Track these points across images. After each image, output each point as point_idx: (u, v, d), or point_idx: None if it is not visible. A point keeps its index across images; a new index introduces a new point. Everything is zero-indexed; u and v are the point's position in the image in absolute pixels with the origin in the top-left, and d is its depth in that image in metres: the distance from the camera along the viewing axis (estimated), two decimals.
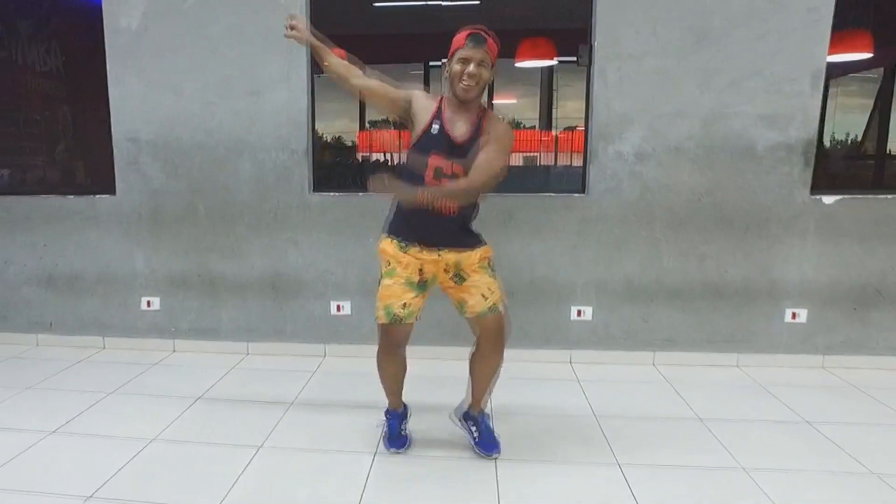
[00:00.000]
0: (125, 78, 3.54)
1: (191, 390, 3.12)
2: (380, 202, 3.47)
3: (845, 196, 3.36)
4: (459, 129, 2.20)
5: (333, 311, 3.61)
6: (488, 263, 2.34)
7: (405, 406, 2.62)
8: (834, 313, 3.44)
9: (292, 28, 2.37)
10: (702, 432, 2.67)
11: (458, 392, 2.66)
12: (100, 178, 3.74)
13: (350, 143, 4.40)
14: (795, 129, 3.31)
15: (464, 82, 2.13)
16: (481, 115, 2.24)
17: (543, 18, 3.71)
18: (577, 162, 3.66)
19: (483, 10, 3.70)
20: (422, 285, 2.32)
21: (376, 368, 2.47)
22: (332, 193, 3.54)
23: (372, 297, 3.54)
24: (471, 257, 2.29)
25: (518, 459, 2.43)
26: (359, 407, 2.93)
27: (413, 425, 2.64)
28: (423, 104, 2.25)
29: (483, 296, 2.31)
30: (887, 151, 4.09)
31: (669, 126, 3.35)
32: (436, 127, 2.19)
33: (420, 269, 2.29)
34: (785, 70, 3.27)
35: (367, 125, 4.58)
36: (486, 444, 2.46)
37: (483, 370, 2.44)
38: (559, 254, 3.48)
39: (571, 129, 4.08)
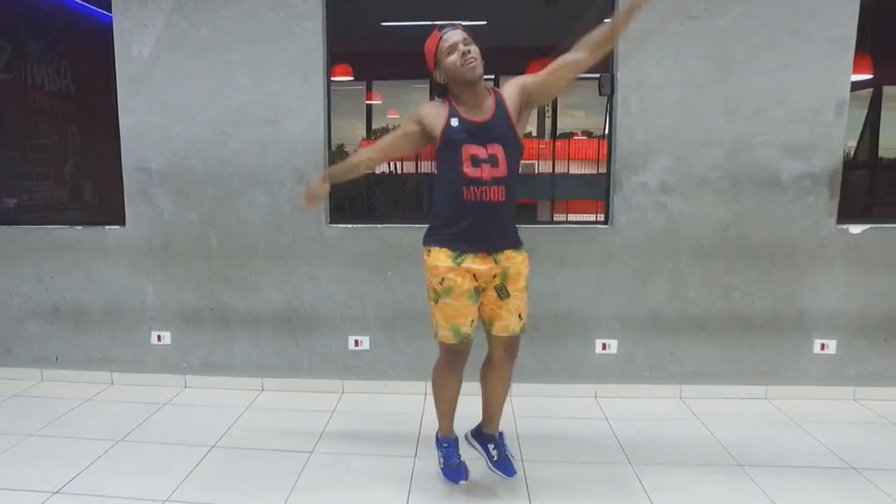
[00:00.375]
0: (137, 107, 3.46)
1: (204, 436, 2.96)
2: (399, 234, 3.47)
3: (873, 225, 3.32)
4: (478, 111, 2.16)
5: (351, 346, 3.51)
6: (526, 280, 2.30)
7: (454, 434, 2.52)
8: (864, 344, 3.39)
9: (311, 199, 2.52)
10: (745, 484, 2.53)
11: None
12: (109, 209, 3.64)
13: (353, 153, 4.33)
14: (820, 158, 3.28)
15: (468, 64, 2.10)
16: (495, 93, 2.21)
17: (552, 37, 3.70)
18: (574, 169, 3.63)
19: (491, 29, 3.67)
20: (478, 293, 2.24)
21: (433, 391, 2.42)
22: (349, 225, 3.46)
23: (391, 331, 3.57)
24: (518, 264, 2.24)
25: None
26: (383, 452, 2.80)
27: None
28: (433, 112, 2.21)
29: (520, 316, 2.28)
30: (878, 159, 4.31)
31: (693, 156, 3.31)
32: (454, 120, 2.15)
33: (474, 276, 2.20)
34: (808, 100, 3.24)
35: (372, 135, 4.52)
36: (506, 464, 2.38)
37: (498, 384, 2.38)
38: (583, 286, 3.40)
39: (568, 135, 4.06)
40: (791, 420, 3.17)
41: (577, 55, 2.17)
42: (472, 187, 2.12)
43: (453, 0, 3.96)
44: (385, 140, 2.34)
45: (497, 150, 2.12)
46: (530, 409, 3.27)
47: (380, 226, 3.45)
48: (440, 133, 2.16)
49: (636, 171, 3.32)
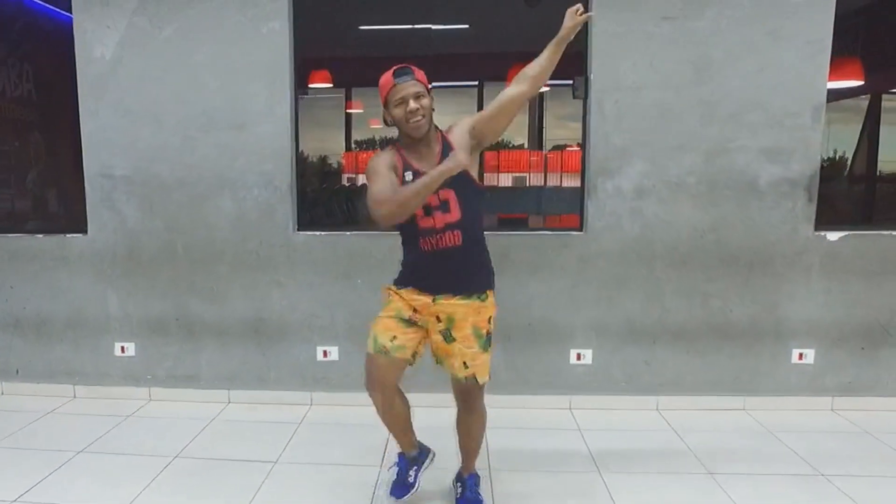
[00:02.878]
0: (99, 110, 3.37)
1: (166, 448, 2.89)
2: (368, 242, 3.39)
3: (850, 232, 3.27)
4: (427, 161, 2.12)
5: (320, 356, 3.43)
6: (486, 333, 2.20)
7: (422, 450, 2.46)
8: (841, 353, 3.33)
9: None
10: (714, 492, 2.50)
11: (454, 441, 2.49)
12: (73, 217, 3.54)
13: (336, 165, 4.26)
14: (798, 162, 3.22)
15: (412, 121, 2.06)
16: (442, 139, 2.16)
17: (534, 42, 3.66)
18: (567, 182, 3.58)
19: (472, 33, 3.60)
20: (411, 322, 2.19)
21: (377, 410, 2.33)
22: (318, 232, 3.37)
23: (361, 342, 3.34)
24: (464, 312, 2.15)
25: None
26: (348, 464, 2.74)
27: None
28: (392, 159, 2.16)
29: (465, 364, 2.19)
30: (877, 173, 4.19)
31: (670, 160, 3.25)
32: (408, 174, 2.11)
33: (413, 308, 2.18)
34: (785, 103, 3.19)
35: (353, 146, 4.42)
36: (466, 502, 2.35)
37: (464, 432, 2.36)
38: (557, 294, 3.33)
39: (560, 148, 4.01)
40: (767, 430, 3.11)
41: (520, 88, 2.14)
42: (427, 238, 2.12)
43: (432, 4, 3.90)
44: (386, 184, 2.09)
45: (448, 194, 2.08)
46: (503, 420, 3.15)
47: (348, 233, 3.37)
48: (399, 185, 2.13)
49: (611, 175, 3.26)
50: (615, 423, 3.21)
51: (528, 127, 4.07)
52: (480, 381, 2.22)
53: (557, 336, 3.37)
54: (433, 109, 2.12)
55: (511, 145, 3.96)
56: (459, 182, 2.06)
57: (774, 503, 2.43)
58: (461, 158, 1.97)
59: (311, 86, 4.23)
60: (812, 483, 2.58)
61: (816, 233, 3.25)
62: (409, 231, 2.15)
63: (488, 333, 2.21)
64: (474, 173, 2.18)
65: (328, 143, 4.22)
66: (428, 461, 2.47)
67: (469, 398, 2.26)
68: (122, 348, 3.51)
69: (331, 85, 4.25)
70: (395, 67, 2.10)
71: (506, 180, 3.56)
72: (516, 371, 3.39)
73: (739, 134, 3.21)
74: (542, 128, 4.15)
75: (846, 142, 4.24)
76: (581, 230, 3.33)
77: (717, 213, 3.25)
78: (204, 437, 3.05)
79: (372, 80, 4.48)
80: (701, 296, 3.30)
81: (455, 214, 2.10)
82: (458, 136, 2.15)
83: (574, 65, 3.34)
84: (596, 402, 3.35)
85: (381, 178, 2.09)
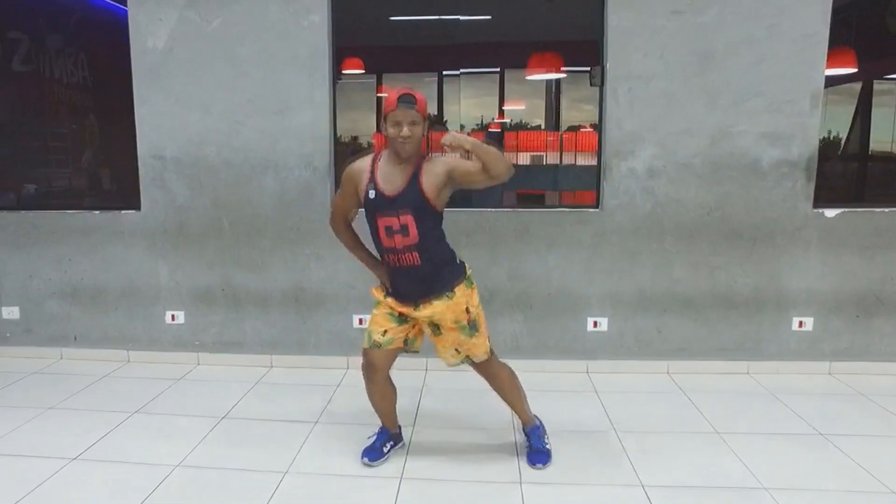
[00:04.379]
0: (151, 97, 3.64)
1: (215, 408, 3.13)
2: None
3: (845, 209, 3.52)
4: (392, 183, 2.28)
5: (356, 323, 3.70)
6: (467, 322, 2.39)
7: (399, 433, 2.71)
8: (838, 321, 3.59)
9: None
10: (721, 449, 2.71)
11: (483, 403, 2.73)
12: (125, 195, 3.82)
13: (367, 145, 4.50)
14: (797, 146, 3.47)
15: (399, 141, 2.23)
16: (419, 164, 2.31)
17: (553, 31, 3.86)
18: (581, 160, 3.80)
19: (494, 23, 3.81)
20: (402, 319, 2.44)
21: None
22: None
23: None
24: (441, 312, 2.36)
25: (544, 482, 2.45)
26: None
27: (437, 442, 2.72)
28: (358, 176, 2.35)
29: (456, 350, 2.46)
30: (868, 153, 4.42)
31: (678, 144, 3.50)
32: (371, 192, 2.31)
33: (399, 312, 2.44)
34: (784, 92, 3.44)
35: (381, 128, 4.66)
36: (531, 455, 2.59)
37: (500, 393, 2.63)
38: (575, 266, 3.60)
39: (575, 129, 4.24)
40: (769, 392, 3.36)
41: (476, 166, 2.25)
42: (390, 255, 2.34)
43: None
44: (339, 206, 2.47)
45: (407, 219, 2.26)
46: (525, 383, 3.42)
47: None
48: (362, 200, 2.36)
49: (625, 157, 3.52)
50: (629, 385, 3.46)
51: (545, 109, 4.29)
52: (476, 359, 2.49)
53: (575, 305, 3.63)
54: (424, 135, 2.28)
55: (529, 126, 4.19)
56: (419, 208, 2.26)
57: (778, 460, 2.61)
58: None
59: (344, 72, 4.47)
60: (812, 442, 2.78)
61: (815, 210, 3.50)
62: (377, 247, 2.40)
63: (470, 321, 2.40)
64: (440, 201, 2.31)
65: (360, 125, 4.45)
66: (399, 445, 2.70)
67: (480, 370, 2.54)
68: (172, 316, 3.79)
69: (363, 71, 4.48)
70: (402, 93, 2.24)
71: (524, 159, 3.80)
72: (537, 337, 3.66)
73: (742, 119, 3.46)
74: (559, 110, 4.38)
75: (840, 123, 4.51)
76: (597, 207, 3.60)
77: (721, 192, 3.51)
78: (249, 398, 3.30)
79: (401, 66, 4.72)
80: (707, 268, 3.56)
81: (413, 238, 2.28)
82: (435, 171, 2.28)
83: (592, 55, 3.62)
84: (611, 366, 3.62)
85: (337, 196, 2.46)
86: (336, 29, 3.62)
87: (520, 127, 4.04)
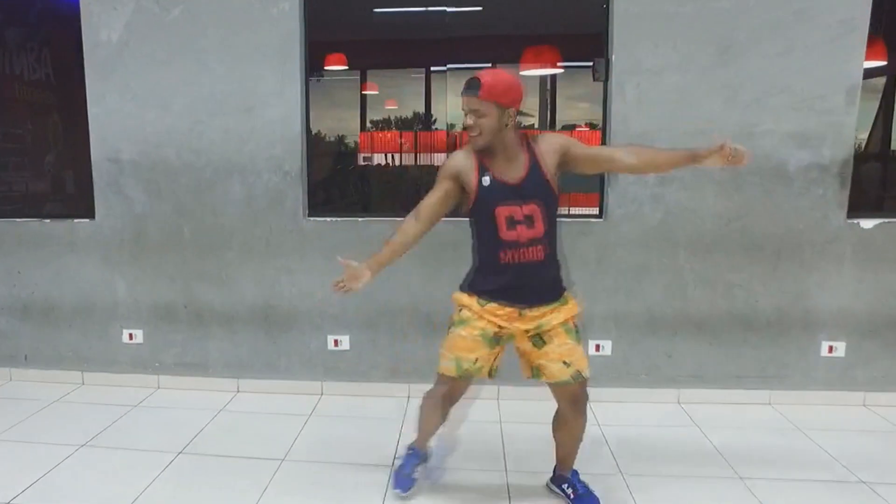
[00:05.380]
0: (105, 94, 3.30)
1: (172, 442, 2.81)
2: (380, 228, 3.30)
3: (885, 220, 3.12)
4: (509, 169, 2.06)
5: (330, 345, 3.35)
6: (573, 325, 2.15)
7: (429, 451, 2.46)
8: (874, 346, 3.18)
9: (348, 283, 2.15)
10: (743, 496, 2.36)
11: (471, 437, 2.41)
12: (80, 201, 3.48)
13: (353, 145, 4.22)
14: (829, 148, 3.08)
15: (470, 134, 2.03)
16: (528, 145, 2.09)
17: (548, 24, 3.60)
18: None
19: (486, 16, 3.53)
20: (497, 339, 2.14)
21: (423, 411, 2.34)
22: (328, 218, 3.29)
23: (372, 331, 3.38)
24: (554, 317, 2.10)
25: None
26: (359, 462, 2.63)
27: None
28: (464, 164, 2.10)
29: (565, 363, 2.10)
30: (890, 152, 3.98)
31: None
32: (486, 179, 2.06)
33: (499, 325, 2.12)
34: (814, 86, 3.05)
35: (367, 125, 4.41)
36: (586, 499, 2.25)
37: (568, 437, 2.26)
38: (576, 283, 3.21)
39: (570, 128, 3.92)
40: (796, 427, 2.98)
41: (627, 159, 2.11)
42: (509, 251, 2.05)
43: None
44: (426, 205, 2.12)
45: (533, 209, 2.03)
46: (515, 413, 3.10)
47: (360, 219, 3.28)
48: (473, 191, 2.07)
49: None
50: (635, 417, 3.09)
51: (539, 106, 3.98)
52: (585, 374, 2.13)
53: None
54: (507, 124, 2.02)
55: (522, 125, 3.88)
56: (545, 195, 2.04)
57: None
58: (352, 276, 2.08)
59: (326, 68, 4.22)
60: (853, 492, 2.40)
61: (849, 220, 3.11)
62: (488, 241, 2.08)
63: (577, 327, 2.16)
64: (557, 185, 2.10)
65: (344, 124, 4.17)
66: (427, 461, 2.48)
67: (578, 400, 2.15)
68: (130, 335, 3.46)
69: (346, 67, 4.20)
70: (471, 77, 2.02)
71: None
72: None
73: (765, 117, 3.07)
74: (553, 108, 4.05)
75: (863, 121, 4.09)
76: (601, 217, 3.22)
77: (742, 199, 3.12)
78: (211, 428, 2.98)
79: (386, 61, 4.42)
80: (725, 285, 3.17)
81: (539, 229, 2.05)
82: (549, 150, 2.07)
83: (594, 47, 3.23)
84: (615, 394, 3.23)
85: (430, 194, 2.12)
86: (315, 21, 3.27)
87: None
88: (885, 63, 3.73)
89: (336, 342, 3.34)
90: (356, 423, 3.05)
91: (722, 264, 3.16)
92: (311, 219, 3.29)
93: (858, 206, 3.16)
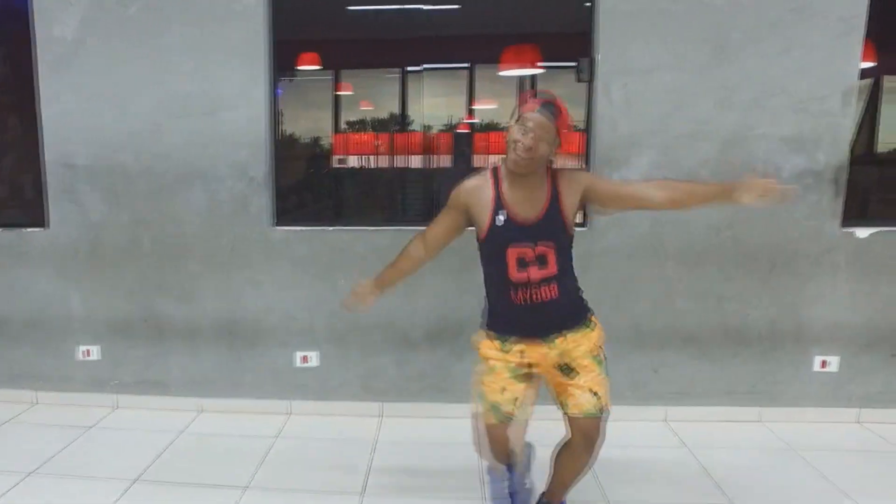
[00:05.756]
0: (59, 95, 3.09)
1: (128, 468, 2.62)
2: (352, 238, 3.13)
3: (881, 228, 2.97)
4: (528, 207, 1.92)
5: (298, 362, 3.16)
6: (600, 353, 2.03)
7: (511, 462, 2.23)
8: (869, 361, 3.04)
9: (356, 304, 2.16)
10: None
11: (448, 462, 2.24)
12: (29, 209, 3.27)
13: (327, 146, 4.05)
14: (824, 153, 2.93)
15: (515, 151, 1.87)
16: (554, 180, 1.95)
17: (529, 22, 3.45)
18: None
19: (464, 14, 3.36)
20: (527, 375, 2.02)
21: (477, 446, 2.16)
22: (296, 227, 3.10)
23: (343, 346, 3.16)
24: (580, 345, 1.98)
25: None
26: (326, 490, 2.45)
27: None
28: (477, 195, 1.97)
29: (594, 393, 1.97)
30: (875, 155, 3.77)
31: (683, 150, 2.95)
32: (500, 217, 1.93)
33: (528, 364, 2.00)
34: (812, 87, 2.90)
35: (343, 126, 4.25)
36: None
37: (570, 468, 2.11)
38: None
39: None
40: (788, 447, 2.84)
41: (655, 196, 1.95)
42: (519, 290, 1.93)
43: None
44: (432, 234, 2.06)
45: (547, 249, 1.91)
46: None
47: (330, 228, 3.10)
48: (485, 229, 1.95)
49: (618, 166, 2.96)
50: (620, 437, 2.84)
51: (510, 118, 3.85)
52: (608, 410, 2.01)
53: None
54: (551, 161, 1.93)
55: (501, 127, 3.73)
56: (559, 235, 1.93)
57: None
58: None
59: (298, 68, 4.06)
60: None
61: (844, 229, 2.96)
62: (498, 281, 1.96)
63: (602, 353, 2.04)
64: (572, 219, 1.97)
65: (318, 125, 3.99)
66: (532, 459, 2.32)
67: (593, 434, 2.00)
68: (86, 351, 3.25)
69: (319, 67, 4.03)
70: (546, 100, 1.90)
71: (496, 162, 3.36)
72: None
73: (760, 121, 2.92)
74: None
75: None
76: (584, 226, 3.05)
77: (733, 208, 2.84)
78: (171, 453, 2.80)
79: (361, 61, 4.26)
80: (715, 297, 3.02)
81: (552, 269, 1.92)
82: (571, 187, 1.94)
83: (577, 46, 3.06)
84: None
85: (437, 220, 2.05)
86: (284, 18, 3.08)
87: (491, 128, 3.54)
88: (873, 64, 3.60)
89: (304, 358, 3.15)
90: (325, 445, 2.88)
91: (712, 276, 3.01)
92: (279, 227, 3.10)
93: (849, 214, 3.01)
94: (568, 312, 1.99)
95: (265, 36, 3.02)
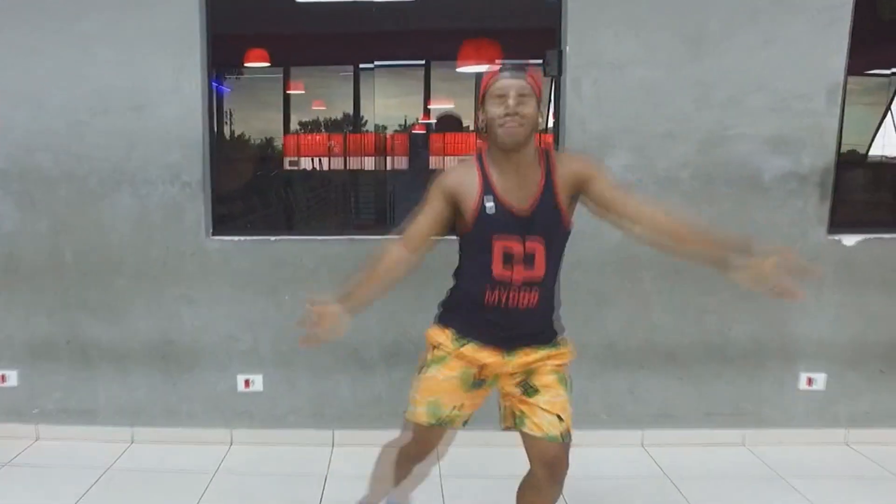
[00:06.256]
0: None
1: None
2: (298, 249, 2.84)
3: (869, 236, 2.79)
4: (522, 194, 1.68)
5: (241, 386, 2.86)
6: (567, 375, 1.81)
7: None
8: (857, 377, 2.86)
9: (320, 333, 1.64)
10: None
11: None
12: None
13: (275, 148, 3.78)
14: (808, 154, 2.74)
15: (507, 125, 1.61)
16: (546, 160, 1.71)
17: (489, 16, 3.23)
18: None
19: (420, 7, 3.11)
20: (478, 384, 1.79)
21: (381, 464, 1.98)
22: (235, 238, 2.80)
23: (290, 369, 2.83)
24: (546, 363, 1.76)
25: None
26: None
27: None
28: (463, 180, 1.72)
29: (559, 417, 1.74)
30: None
31: (659, 151, 2.73)
32: (489, 203, 1.67)
33: (481, 367, 1.76)
34: (794, 84, 2.70)
35: (294, 128, 4.01)
36: None
37: (543, 496, 1.83)
38: None
39: None
40: (774, 472, 2.64)
41: (644, 219, 1.67)
42: (496, 290, 1.69)
43: None
44: (415, 232, 1.73)
45: (536, 245, 1.67)
46: (458, 462, 2.65)
47: (273, 238, 2.80)
48: (471, 216, 1.69)
49: None
50: (593, 464, 2.69)
51: (475, 108, 3.63)
52: (570, 435, 1.79)
53: None
54: (538, 128, 1.68)
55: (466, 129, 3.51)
56: (553, 229, 1.69)
57: None
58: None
59: (246, 65, 3.79)
60: None
61: (830, 237, 2.77)
62: (477, 274, 1.70)
63: (569, 376, 1.82)
64: (571, 215, 1.75)
65: (274, 125, 3.71)
66: None
67: (559, 464, 1.77)
68: (2, 377, 2.91)
69: (268, 64, 3.77)
70: (506, 64, 1.69)
71: (452, 163, 3.17)
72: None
73: (740, 120, 2.72)
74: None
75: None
76: None
77: (713, 213, 2.74)
78: (95, 493, 2.48)
79: (312, 58, 4.01)
80: (695, 312, 2.80)
81: (539, 271, 1.68)
82: (568, 173, 1.70)
83: (542, 39, 2.82)
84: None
85: (418, 215, 1.72)
86: (225, 8, 2.79)
87: (447, 128, 3.31)
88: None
89: (247, 383, 2.86)
90: (271, 480, 2.59)
91: (691, 288, 2.79)
92: (216, 238, 2.80)
93: (836, 220, 2.82)
94: (539, 329, 1.77)
95: (199, 25, 2.71)
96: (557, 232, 1.71)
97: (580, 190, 1.72)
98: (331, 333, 1.63)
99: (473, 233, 1.69)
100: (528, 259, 1.66)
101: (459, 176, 1.72)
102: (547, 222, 1.68)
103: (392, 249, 1.72)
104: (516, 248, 1.66)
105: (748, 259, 1.52)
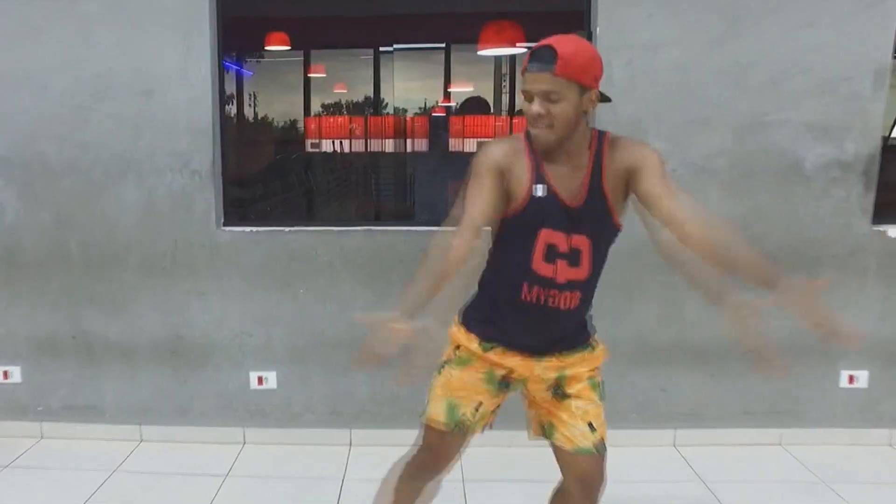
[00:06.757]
0: None
1: None
2: (313, 240, 2.71)
3: None
4: (571, 185, 1.51)
5: (254, 383, 2.75)
6: (600, 379, 1.69)
7: None
8: None
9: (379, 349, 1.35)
10: None
11: None
12: None
13: (298, 130, 3.69)
14: (853, 141, 2.59)
15: (535, 128, 1.46)
16: (598, 147, 1.52)
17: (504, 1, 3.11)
18: None
19: None
20: (504, 385, 1.65)
21: (382, 484, 1.79)
22: (248, 228, 2.68)
23: (304, 365, 2.70)
24: (579, 365, 1.64)
25: None
26: None
27: None
28: (512, 158, 1.52)
29: (591, 426, 1.63)
30: None
31: (694, 138, 2.59)
32: (539, 188, 1.50)
33: (509, 370, 1.63)
34: (838, 66, 2.55)
35: (316, 110, 3.91)
36: None
37: None
38: None
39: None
40: (814, 475, 2.51)
41: (688, 227, 1.42)
42: (535, 287, 1.53)
43: None
44: (477, 213, 1.48)
45: (582, 242, 1.52)
46: (480, 464, 2.54)
47: (286, 229, 2.67)
48: (520, 200, 1.51)
49: None
50: (623, 466, 2.54)
51: (494, 91, 3.50)
52: (605, 444, 1.66)
53: None
54: (586, 112, 1.47)
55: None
56: (602, 226, 1.53)
57: None
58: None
59: (267, 48, 3.71)
60: None
61: (874, 227, 2.63)
62: (515, 267, 1.54)
63: (602, 382, 1.70)
64: (619, 206, 1.54)
65: (296, 108, 3.63)
66: None
67: (593, 478, 1.64)
68: (5, 373, 2.81)
69: (288, 47, 3.67)
70: (539, 46, 1.44)
71: (471, 146, 3.13)
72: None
73: (780, 104, 2.57)
74: (513, 91, 3.58)
75: None
76: None
77: (751, 203, 2.61)
78: (102, 496, 2.38)
79: (330, 42, 3.91)
80: None
81: (584, 271, 1.55)
82: (616, 163, 1.50)
83: (569, 21, 2.68)
84: None
85: (472, 195, 1.49)
86: None
87: (473, 110, 3.22)
88: None
89: (260, 380, 2.75)
90: (285, 483, 2.48)
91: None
92: (227, 229, 2.68)
93: (881, 210, 2.68)
94: (575, 331, 1.65)
95: (209, 4, 2.57)
96: (607, 229, 1.55)
97: (628, 183, 1.51)
98: (389, 348, 1.34)
99: (519, 219, 1.51)
100: (574, 256, 1.52)
101: (509, 152, 1.53)
102: (595, 217, 1.51)
103: (455, 243, 1.47)
104: (561, 243, 1.50)
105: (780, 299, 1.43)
